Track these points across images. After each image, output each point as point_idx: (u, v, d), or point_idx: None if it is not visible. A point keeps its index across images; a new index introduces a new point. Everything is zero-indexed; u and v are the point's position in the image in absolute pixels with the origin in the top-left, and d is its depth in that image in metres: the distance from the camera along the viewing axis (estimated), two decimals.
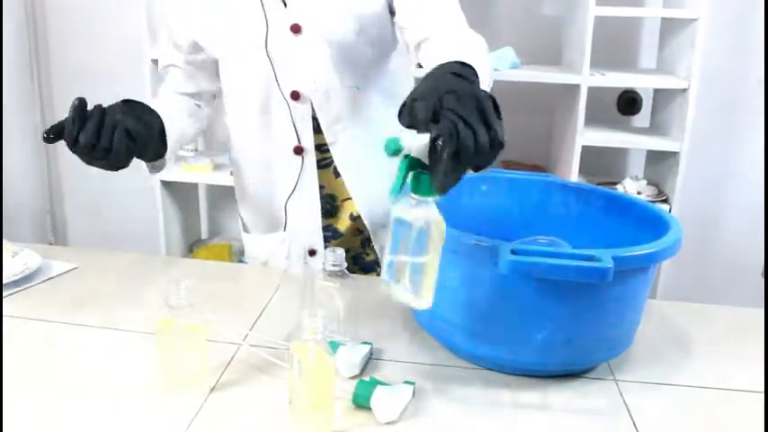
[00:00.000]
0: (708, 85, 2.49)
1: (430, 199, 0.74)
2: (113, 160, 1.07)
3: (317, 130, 1.28)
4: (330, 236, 1.37)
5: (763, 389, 0.96)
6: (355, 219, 1.36)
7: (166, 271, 1.35)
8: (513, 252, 0.82)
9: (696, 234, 2.81)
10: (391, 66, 1.31)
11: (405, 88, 1.10)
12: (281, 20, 1.20)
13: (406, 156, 0.72)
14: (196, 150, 2.76)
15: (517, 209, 1.20)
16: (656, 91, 2.71)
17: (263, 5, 1.19)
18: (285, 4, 1.20)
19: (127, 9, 2.74)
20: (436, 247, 0.75)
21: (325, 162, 1.31)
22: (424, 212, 0.74)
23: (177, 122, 1.26)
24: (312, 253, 1.35)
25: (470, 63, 0.89)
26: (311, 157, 1.29)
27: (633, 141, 2.57)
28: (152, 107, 1.20)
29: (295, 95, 1.24)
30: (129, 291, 1.21)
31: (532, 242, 1.04)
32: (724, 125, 2.74)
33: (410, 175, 0.74)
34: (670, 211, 2.44)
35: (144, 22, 2.52)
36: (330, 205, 1.35)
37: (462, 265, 0.90)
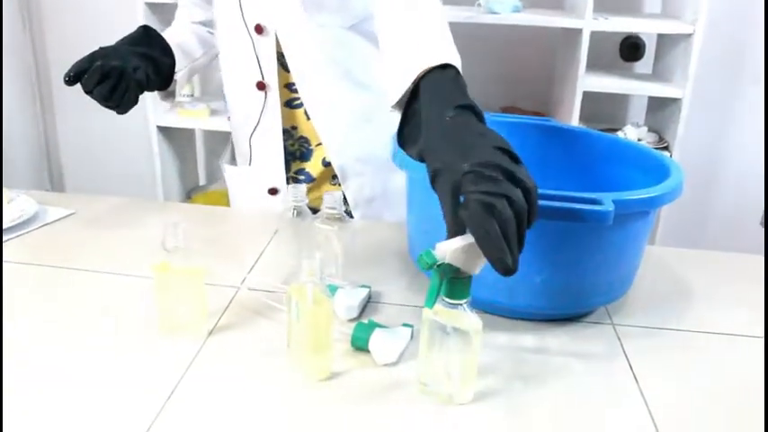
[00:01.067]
0: (713, 31, 2.45)
1: (464, 301, 0.73)
2: (121, 111, 1.20)
3: (287, 68, 1.25)
4: (303, 180, 1.35)
5: (762, 334, 0.97)
6: (327, 165, 1.33)
7: (164, 215, 1.34)
8: None
9: (696, 182, 2.81)
10: (360, 7, 1.24)
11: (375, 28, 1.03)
12: None
13: (439, 266, 0.72)
14: (192, 96, 2.73)
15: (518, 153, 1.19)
16: (660, 36, 2.67)
17: None
18: None
19: None
20: (474, 349, 0.76)
21: (296, 102, 1.29)
22: (460, 315, 0.74)
23: (188, 51, 1.36)
24: (273, 192, 1.34)
25: (444, 59, 0.84)
26: (274, 94, 1.26)
27: (635, 88, 2.55)
28: (166, 40, 1.31)
29: (258, 29, 1.22)
30: (126, 235, 1.20)
31: None
32: (727, 72, 2.71)
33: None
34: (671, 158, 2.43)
35: None
36: (304, 148, 1.33)
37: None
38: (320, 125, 1.29)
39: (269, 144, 1.31)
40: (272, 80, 1.25)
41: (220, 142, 3.03)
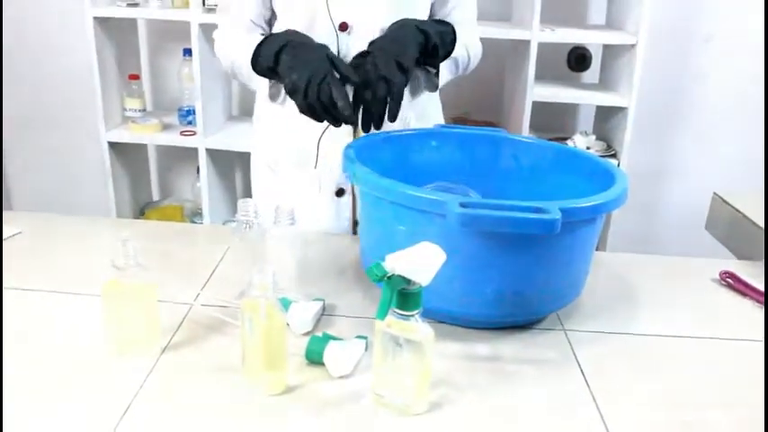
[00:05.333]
0: (656, 41, 2.51)
1: (415, 312, 0.74)
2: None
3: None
4: None
5: (708, 334, 0.99)
6: None
7: (115, 233, 1.31)
8: (462, 205, 0.82)
9: (644, 188, 2.87)
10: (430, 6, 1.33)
11: None
12: None
13: (389, 278, 0.73)
14: (144, 110, 2.69)
15: (468, 164, 1.20)
16: (606, 47, 2.73)
17: None
18: None
19: None
20: (427, 360, 0.77)
21: None
22: (412, 326, 0.75)
23: None
24: (340, 193, 1.34)
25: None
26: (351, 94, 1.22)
27: (583, 97, 2.59)
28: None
29: (343, 26, 1.24)
30: (76, 253, 1.18)
31: (447, 189, 1.05)
32: (670, 81, 2.78)
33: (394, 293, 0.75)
34: (618, 165, 2.48)
35: None
36: None
37: (410, 218, 0.89)
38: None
39: (339, 145, 1.18)
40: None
41: (173, 157, 3.00)
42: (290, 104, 1.19)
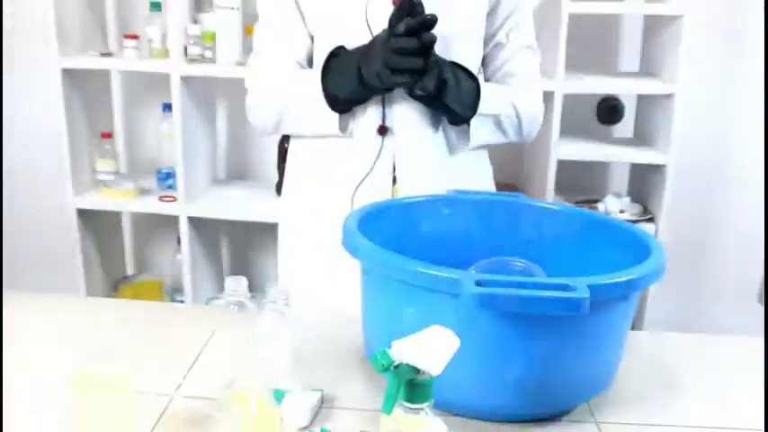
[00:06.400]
0: (696, 90, 2.56)
1: (426, 405, 0.76)
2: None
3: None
4: None
5: (762, 427, 1.00)
6: None
7: (86, 314, 1.34)
8: (478, 284, 0.84)
9: (686, 256, 2.87)
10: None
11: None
12: None
13: (396, 367, 0.75)
14: (117, 173, 2.74)
15: (484, 234, 1.23)
16: (640, 97, 2.78)
17: None
18: None
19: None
20: None
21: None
22: (422, 421, 0.76)
23: None
24: None
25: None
26: (392, 139, 1.39)
27: (615, 154, 2.63)
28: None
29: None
30: (40, 339, 1.20)
31: (503, 265, 1.06)
32: (714, 134, 2.81)
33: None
34: (657, 231, 2.50)
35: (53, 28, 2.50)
36: None
37: (421, 298, 0.92)
38: (401, 167, 1.41)
39: (377, 193, 1.38)
40: (391, 124, 1.39)
41: (151, 225, 3.03)
42: (323, 153, 1.44)
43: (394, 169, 1.41)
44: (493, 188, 1.56)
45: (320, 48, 1.41)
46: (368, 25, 1.34)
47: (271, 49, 1.46)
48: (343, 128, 1.40)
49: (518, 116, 1.43)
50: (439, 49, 1.27)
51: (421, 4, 1.22)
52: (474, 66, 1.42)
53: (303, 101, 1.39)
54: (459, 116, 1.37)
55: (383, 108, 1.39)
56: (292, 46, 1.44)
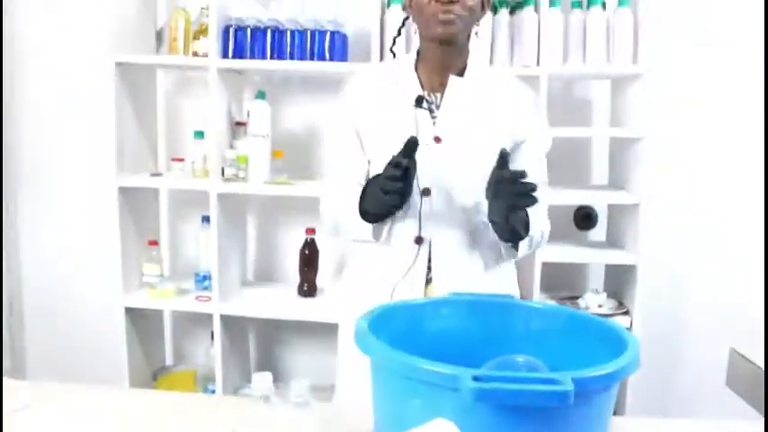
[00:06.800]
0: (658, 199, 2.57)
1: None
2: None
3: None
4: None
5: None
6: None
7: (128, 407, 1.31)
8: (475, 379, 0.82)
9: (659, 345, 2.81)
10: None
11: None
12: (428, 131, 1.51)
13: None
14: (161, 276, 2.74)
15: (480, 331, 1.21)
16: (610, 206, 2.80)
17: (416, 121, 1.51)
18: (434, 123, 1.53)
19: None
20: None
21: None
22: None
23: None
24: None
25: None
26: (426, 247, 1.53)
27: (591, 256, 2.63)
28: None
29: (426, 192, 1.51)
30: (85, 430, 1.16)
31: (510, 362, 1.04)
32: (676, 236, 2.81)
33: None
34: (631, 324, 2.46)
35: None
36: None
37: (424, 392, 0.89)
38: (437, 272, 1.54)
39: (413, 292, 1.52)
40: (427, 235, 1.52)
41: (188, 321, 3.01)
42: (370, 255, 1.58)
43: (429, 271, 1.53)
44: (517, 290, 1.70)
45: (373, 171, 1.53)
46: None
47: (335, 171, 1.62)
48: (376, 236, 1.52)
49: (542, 236, 1.59)
50: (464, 185, 1.50)
51: (415, 143, 1.34)
52: None
53: (349, 214, 1.51)
54: (517, 236, 1.48)
55: (420, 221, 1.51)
56: (352, 168, 1.57)
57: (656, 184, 2.52)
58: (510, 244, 1.54)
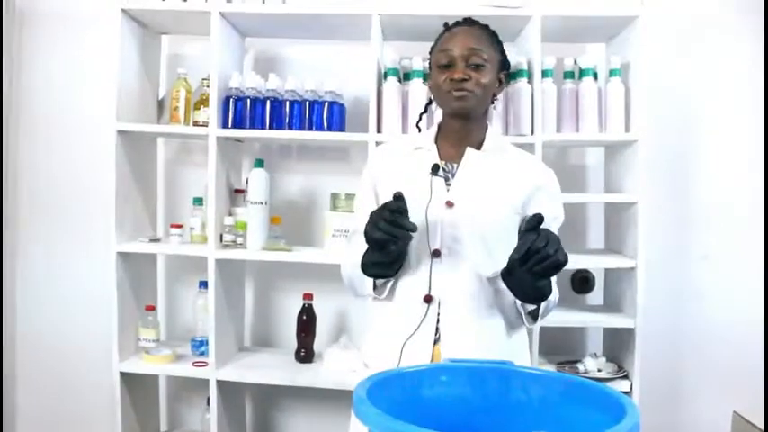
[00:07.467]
0: (654, 262, 2.58)
1: None
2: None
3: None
4: None
5: None
6: None
7: None
8: None
9: (660, 409, 2.79)
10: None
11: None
12: (441, 196, 1.60)
13: None
14: (157, 341, 2.72)
15: (478, 398, 1.20)
16: (607, 270, 2.80)
17: (431, 185, 1.59)
18: (447, 189, 1.61)
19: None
20: None
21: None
22: None
23: None
24: None
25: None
26: (435, 306, 1.58)
27: (588, 320, 2.62)
28: None
29: (436, 253, 1.58)
30: None
31: None
32: (673, 300, 2.82)
33: None
34: (631, 387, 2.44)
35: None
36: None
37: None
38: (445, 329, 1.58)
39: (421, 349, 1.57)
40: (436, 294, 1.57)
41: (183, 387, 2.98)
42: (384, 311, 1.64)
43: (437, 330, 1.57)
44: (527, 353, 1.77)
45: None
46: (426, 220, 1.54)
47: (355, 231, 1.67)
48: (379, 293, 1.60)
49: (556, 301, 1.63)
50: (473, 248, 1.57)
51: (401, 199, 1.41)
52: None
53: (357, 272, 1.57)
54: (540, 297, 1.51)
55: (429, 280, 1.56)
56: None
57: (652, 247, 2.53)
58: (530, 308, 1.59)
